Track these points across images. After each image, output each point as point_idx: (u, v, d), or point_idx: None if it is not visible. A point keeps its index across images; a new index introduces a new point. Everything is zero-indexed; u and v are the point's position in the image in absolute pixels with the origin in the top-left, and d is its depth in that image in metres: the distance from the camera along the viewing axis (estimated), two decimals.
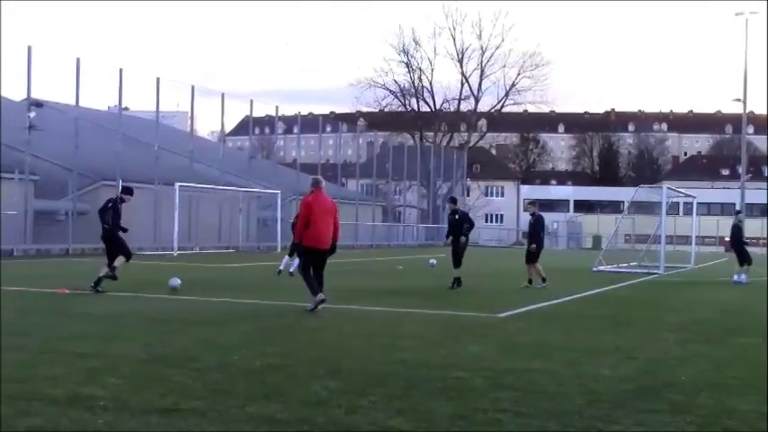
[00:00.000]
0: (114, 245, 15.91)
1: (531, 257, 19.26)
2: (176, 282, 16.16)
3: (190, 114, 49.39)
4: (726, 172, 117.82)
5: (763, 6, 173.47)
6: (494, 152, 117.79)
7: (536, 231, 19.68)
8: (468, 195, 78.30)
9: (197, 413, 6.12)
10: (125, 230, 16.11)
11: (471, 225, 19.18)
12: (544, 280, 19.27)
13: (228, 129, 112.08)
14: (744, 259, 23.85)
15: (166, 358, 8.41)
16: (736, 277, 23.80)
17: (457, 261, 18.86)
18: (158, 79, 38.97)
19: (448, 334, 10.96)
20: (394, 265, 28.33)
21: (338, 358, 8.68)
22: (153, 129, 39.66)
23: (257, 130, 75.21)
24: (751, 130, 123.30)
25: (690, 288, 22.09)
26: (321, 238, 13.19)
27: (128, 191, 16.75)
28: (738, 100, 70.25)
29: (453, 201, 20.42)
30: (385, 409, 6.42)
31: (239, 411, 6.22)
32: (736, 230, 24.52)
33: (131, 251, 16.35)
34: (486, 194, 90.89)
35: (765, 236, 72.17)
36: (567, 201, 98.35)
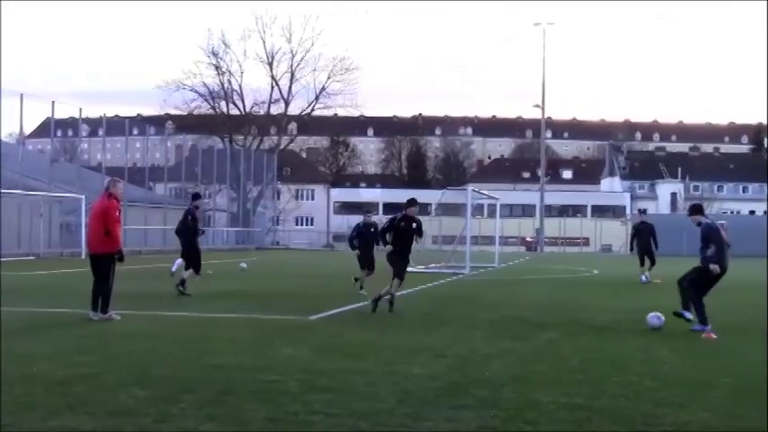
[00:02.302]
0: (192, 255, 17.74)
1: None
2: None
3: None
4: (527, 174, 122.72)
5: (559, 17, 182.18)
6: (304, 155, 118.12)
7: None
8: (278, 199, 78.11)
9: None
10: (203, 232, 18.32)
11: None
12: (361, 287, 18.87)
13: (28, 131, 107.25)
14: (652, 258, 24.15)
15: None
16: (643, 278, 24.06)
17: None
18: None
19: (262, 337, 10.90)
20: (204, 270, 27.88)
21: (149, 366, 8.47)
22: None
23: (59, 133, 72.22)
24: (549, 134, 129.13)
25: (496, 286, 22.85)
26: (88, 243, 13.01)
27: (197, 196, 18.72)
28: (537, 106, 73.55)
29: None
30: (196, 415, 6.32)
31: (40, 425, 5.98)
32: (638, 231, 24.79)
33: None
34: (297, 198, 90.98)
35: (564, 235, 75.74)
36: (377, 203, 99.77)
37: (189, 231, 18.03)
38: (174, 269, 23.38)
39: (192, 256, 17.95)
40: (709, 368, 8.87)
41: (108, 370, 8.19)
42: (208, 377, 7.86)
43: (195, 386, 7.38)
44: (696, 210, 13.04)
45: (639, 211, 29.36)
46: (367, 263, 18.97)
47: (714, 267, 12.17)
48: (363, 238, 18.94)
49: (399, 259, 14.97)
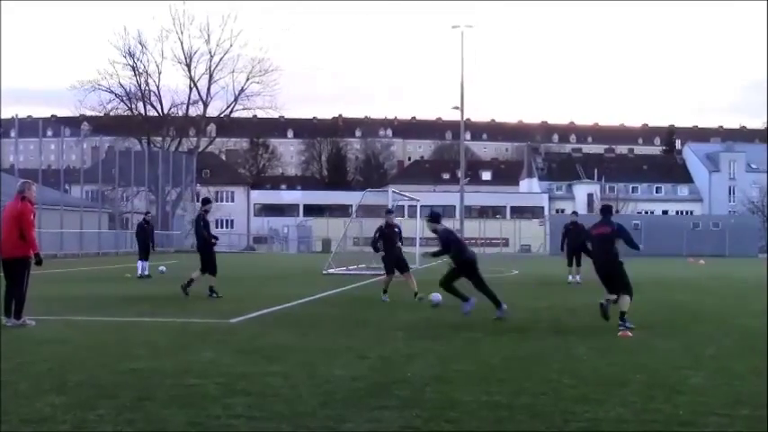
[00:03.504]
0: (206, 258, 18.09)
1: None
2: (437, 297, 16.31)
3: None
4: (447, 176, 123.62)
5: (477, 20, 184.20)
6: (223, 157, 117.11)
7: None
8: (197, 201, 77.24)
9: None
10: (216, 239, 18.64)
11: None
12: (416, 294, 18.06)
13: None
14: (578, 260, 23.98)
15: None
16: (570, 278, 24.10)
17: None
18: None
19: (181, 341, 10.76)
20: (123, 273, 27.48)
21: (65, 372, 8.30)
22: None
23: None
24: (468, 136, 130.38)
25: (417, 287, 22.88)
26: (1, 247, 12.53)
27: (207, 201, 19.30)
28: (456, 108, 73.99)
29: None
30: (115, 421, 6.22)
31: None
32: (568, 231, 24.77)
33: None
34: (217, 200, 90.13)
35: (483, 236, 76.41)
36: (297, 205, 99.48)
37: (201, 235, 18.40)
38: (139, 272, 25.69)
39: (206, 259, 18.15)
40: (624, 365, 9.05)
41: (22, 377, 8.00)
42: (126, 382, 7.73)
43: (113, 392, 7.26)
44: (433, 219, 14.82)
45: (573, 212, 29.45)
46: (394, 264, 18.33)
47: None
48: (387, 240, 18.38)
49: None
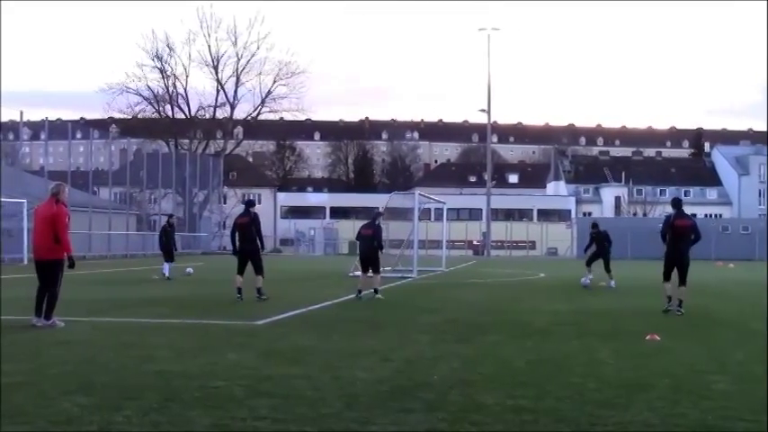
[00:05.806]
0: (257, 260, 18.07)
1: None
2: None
3: None
4: (473, 179, 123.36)
5: (503, 23, 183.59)
6: (250, 159, 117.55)
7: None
8: (225, 203, 77.60)
9: None
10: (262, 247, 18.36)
11: None
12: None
13: None
14: (607, 266, 24.17)
15: None
16: (584, 280, 24.14)
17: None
18: None
19: (206, 343, 10.80)
20: (149, 275, 27.64)
21: (90, 373, 8.35)
22: None
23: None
24: (495, 138, 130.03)
25: (442, 290, 22.92)
26: (35, 249, 12.72)
27: (251, 203, 19.18)
28: (483, 110, 73.90)
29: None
30: (140, 423, 6.25)
31: None
32: (593, 239, 24.96)
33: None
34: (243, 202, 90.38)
35: (510, 239, 76.22)
36: (324, 207, 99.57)
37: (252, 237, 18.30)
38: (166, 273, 26.05)
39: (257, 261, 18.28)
40: (649, 369, 8.99)
41: (47, 378, 8.06)
42: (151, 384, 7.77)
43: (139, 393, 7.30)
44: None
45: (592, 224, 29.36)
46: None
47: None
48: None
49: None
